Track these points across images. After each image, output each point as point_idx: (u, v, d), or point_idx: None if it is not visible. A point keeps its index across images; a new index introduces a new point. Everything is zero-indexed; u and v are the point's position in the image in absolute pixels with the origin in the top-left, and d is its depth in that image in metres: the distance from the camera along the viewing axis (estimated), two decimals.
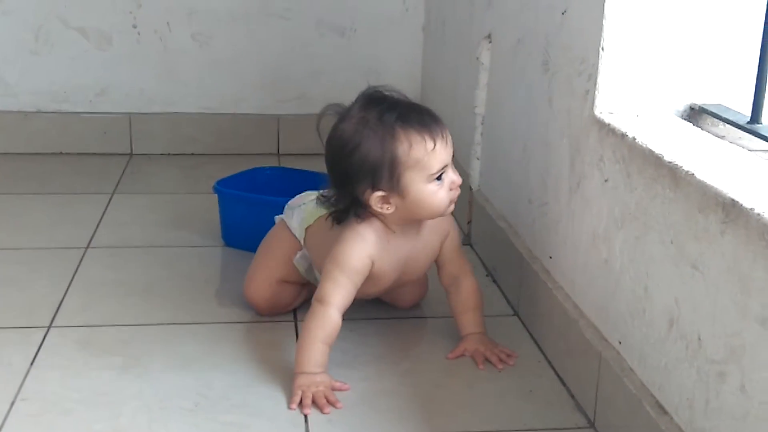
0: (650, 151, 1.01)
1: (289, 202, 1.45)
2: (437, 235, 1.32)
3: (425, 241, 1.31)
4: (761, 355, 0.80)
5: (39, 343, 1.32)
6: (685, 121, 1.15)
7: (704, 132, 1.10)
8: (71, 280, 1.54)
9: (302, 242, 1.38)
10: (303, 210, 1.40)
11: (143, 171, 2.20)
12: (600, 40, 1.15)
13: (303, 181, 1.79)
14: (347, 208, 1.25)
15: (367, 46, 2.33)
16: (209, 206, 1.80)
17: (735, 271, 0.84)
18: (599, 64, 1.16)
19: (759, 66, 1.06)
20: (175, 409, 1.16)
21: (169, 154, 2.32)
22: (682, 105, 1.18)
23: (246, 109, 2.34)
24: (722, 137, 1.10)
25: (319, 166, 1.88)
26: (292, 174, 1.88)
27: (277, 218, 1.46)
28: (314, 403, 1.17)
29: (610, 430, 1.11)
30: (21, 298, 1.47)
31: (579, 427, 1.15)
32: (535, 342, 1.38)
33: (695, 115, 1.18)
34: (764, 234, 0.78)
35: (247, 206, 1.69)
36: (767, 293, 0.78)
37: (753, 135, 1.06)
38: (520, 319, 1.45)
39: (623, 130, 1.09)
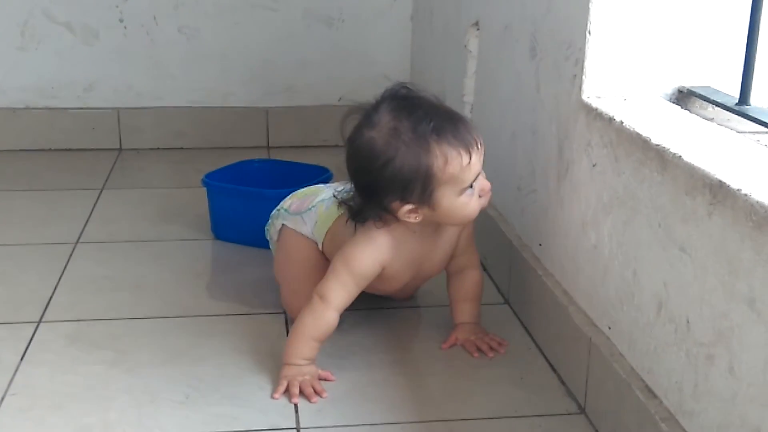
0: (638, 134, 1.01)
1: (288, 208, 1.40)
2: (455, 230, 1.29)
3: (444, 237, 1.27)
4: (749, 336, 0.80)
5: (29, 339, 1.31)
6: (674, 104, 1.15)
7: (692, 114, 1.09)
8: (61, 276, 1.54)
9: (321, 246, 1.34)
10: (315, 213, 1.35)
11: (132, 166, 2.19)
12: (587, 24, 1.14)
13: (291, 173, 1.80)
14: (371, 214, 1.20)
15: (356, 36, 2.32)
16: (198, 200, 1.80)
17: (722, 252, 0.83)
18: (586, 48, 1.15)
19: (747, 47, 1.06)
20: (165, 402, 1.15)
21: (158, 148, 2.31)
22: (671, 88, 1.18)
23: (234, 102, 2.33)
24: (711, 119, 1.09)
25: (308, 158, 1.89)
26: (281, 166, 1.88)
27: (278, 226, 1.41)
28: (301, 392, 1.16)
29: (600, 416, 1.11)
30: (10, 293, 1.47)
31: (570, 413, 1.15)
32: (526, 329, 1.37)
33: (684, 97, 1.17)
34: (751, 214, 0.78)
35: (236, 199, 1.69)
36: (755, 274, 0.78)
37: (741, 116, 1.06)
38: (510, 306, 1.45)
39: (611, 114, 1.09)
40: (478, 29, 1.67)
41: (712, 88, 1.15)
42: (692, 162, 0.89)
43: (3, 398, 1.16)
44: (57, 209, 1.87)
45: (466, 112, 1.73)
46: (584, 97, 1.16)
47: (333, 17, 2.31)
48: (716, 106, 1.11)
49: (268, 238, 1.48)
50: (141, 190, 2.02)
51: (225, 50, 2.30)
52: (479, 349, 1.29)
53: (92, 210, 1.87)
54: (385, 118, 1.15)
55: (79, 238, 1.71)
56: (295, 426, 1.11)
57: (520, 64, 1.42)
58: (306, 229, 1.36)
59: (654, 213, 0.97)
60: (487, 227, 1.57)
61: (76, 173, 2.11)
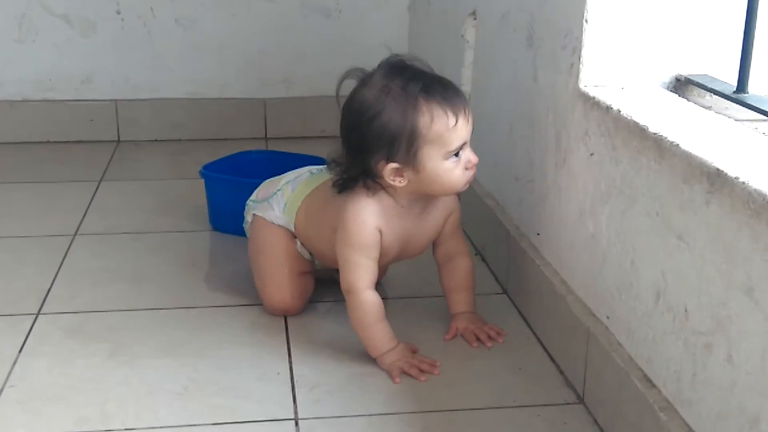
0: (635, 123, 1.01)
1: (251, 198, 1.42)
2: (442, 213, 1.29)
3: (430, 218, 1.28)
4: (747, 324, 0.79)
5: (27, 331, 1.31)
6: (671, 93, 1.14)
7: (690, 103, 1.09)
8: (59, 268, 1.53)
9: (293, 227, 1.35)
10: (282, 196, 1.36)
11: (130, 158, 2.19)
12: (583, 13, 1.14)
13: (289, 164, 1.78)
14: (356, 177, 1.21)
15: (353, 27, 2.31)
16: (197, 191, 1.79)
17: (720, 240, 0.83)
18: (583, 37, 1.15)
19: (745, 35, 1.05)
20: (164, 394, 1.15)
21: (156, 140, 2.31)
22: (668, 76, 1.17)
23: (232, 94, 2.32)
24: (709, 108, 1.09)
25: (307, 149, 1.89)
26: (279, 156, 1.87)
27: (249, 218, 1.42)
28: (408, 374, 1.19)
29: (599, 405, 1.11)
30: (9, 286, 1.46)
31: (568, 403, 1.15)
32: (524, 319, 1.37)
33: (681, 86, 1.17)
34: (749, 202, 0.78)
35: (234, 190, 1.68)
36: (752, 262, 0.78)
37: (739, 104, 1.05)
38: (509, 296, 1.45)
39: (608, 102, 1.08)
40: (475, 19, 1.67)
41: (710, 76, 1.15)
42: (690, 150, 0.89)
43: (1, 390, 1.16)
44: (55, 201, 1.87)
45: None
46: (581, 86, 1.16)
47: (330, 8, 2.30)
48: (714, 94, 1.11)
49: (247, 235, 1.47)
50: (139, 181, 2.02)
51: (222, 41, 2.29)
52: (478, 339, 1.29)
53: (90, 202, 1.87)
54: (377, 79, 1.18)
55: (77, 230, 1.71)
56: (293, 417, 1.11)
57: (518, 54, 1.42)
58: (274, 214, 1.36)
59: (652, 202, 0.97)
60: (485, 217, 1.57)
61: (74, 165, 2.11)
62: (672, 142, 0.92)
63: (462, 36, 1.71)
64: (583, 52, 1.15)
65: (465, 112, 1.17)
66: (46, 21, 2.22)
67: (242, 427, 1.09)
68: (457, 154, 1.18)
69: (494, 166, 1.56)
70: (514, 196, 1.47)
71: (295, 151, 1.88)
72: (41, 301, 1.41)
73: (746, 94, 1.06)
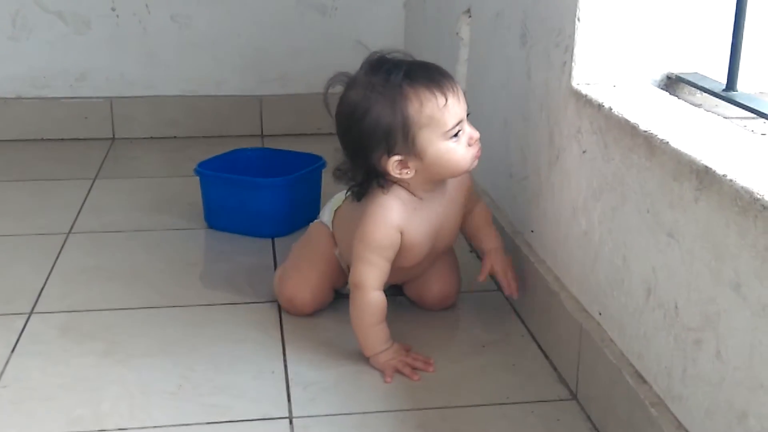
0: (626, 120, 1.01)
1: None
2: (461, 191, 1.28)
3: (453, 201, 1.27)
4: (735, 320, 0.80)
5: (20, 330, 1.31)
6: (662, 90, 1.15)
7: (680, 101, 1.09)
8: (53, 266, 1.53)
9: (331, 227, 1.35)
10: (332, 199, 1.38)
11: (125, 155, 2.19)
12: (576, 11, 1.14)
13: (285, 162, 1.79)
14: (367, 180, 1.21)
15: (349, 23, 2.31)
16: (192, 189, 1.79)
17: (709, 237, 0.83)
18: (575, 35, 1.15)
19: (734, 33, 1.06)
20: (158, 393, 1.15)
21: (151, 137, 2.31)
22: (659, 74, 1.18)
23: (228, 91, 2.32)
24: (699, 105, 1.09)
25: (304, 147, 1.89)
26: (274, 154, 1.87)
27: (312, 223, 1.42)
28: (402, 373, 1.19)
29: (592, 401, 1.11)
30: (1, 284, 1.46)
31: (561, 399, 1.15)
32: (519, 316, 1.38)
33: (672, 84, 1.17)
34: (737, 199, 0.78)
35: (229, 187, 1.69)
36: (740, 259, 0.78)
37: (728, 102, 1.06)
38: (503, 293, 1.45)
39: (600, 100, 1.09)
40: (469, 17, 1.67)
41: (700, 75, 1.15)
42: (679, 148, 0.89)
43: None
44: (49, 199, 1.87)
45: None
46: (574, 83, 1.16)
47: (326, 5, 2.30)
48: (704, 92, 1.11)
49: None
50: (134, 179, 2.02)
51: (218, 38, 2.29)
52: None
53: (85, 200, 1.87)
54: (360, 78, 1.18)
55: (71, 228, 1.71)
56: (287, 415, 1.11)
57: (511, 51, 1.42)
58: (325, 217, 1.37)
59: (642, 199, 0.97)
60: None
61: (69, 163, 2.11)
62: (662, 140, 0.92)
63: (457, 33, 1.71)
64: (576, 51, 1.15)
65: (453, 89, 1.16)
66: (40, 18, 2.21)
67: (236, 426, 1.09)
68: (456, 134, 1.17)
69: (489, 163, 1.55)
70: (508, 193, 1.47)
71: (291, 149, 1.88)
72: (34, 299, 1.41)
73: (735, 92, 1.06)
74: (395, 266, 1.26)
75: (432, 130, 1.15)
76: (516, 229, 1.43)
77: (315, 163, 1.74)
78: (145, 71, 2.29)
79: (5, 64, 2.23)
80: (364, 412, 1.12)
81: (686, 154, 0.87)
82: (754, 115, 1.02)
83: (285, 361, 1.24)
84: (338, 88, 1.21)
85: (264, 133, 2.34)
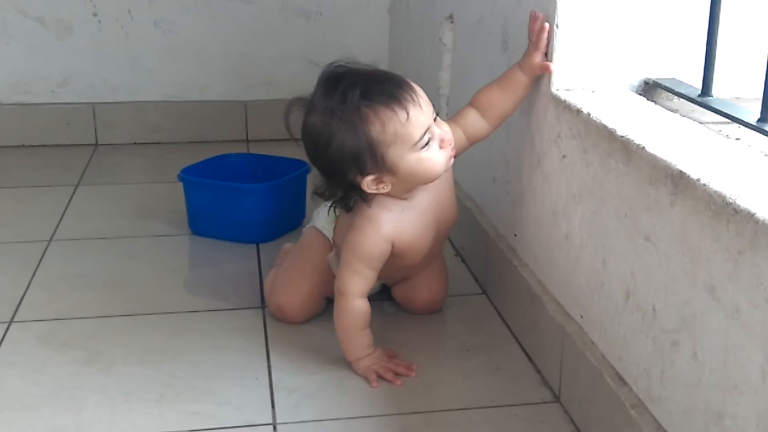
0: (604, 126, 1.02)
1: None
2: (446, 173, 1.24)
3: (443, 181, 1.24)
4: (710, 323, 0.81)
5: (0, 339, 1.30)
6: (640, 96, 1.16)
7: (657, 106, 1.10)
8: (33, 274, 1.53)
9: (331, 236, 1.35)
10: (326, 206, 1.36)
11: (108, 161, 2.18)
12: (554, 18, 1.15)
13: (269, 167, 1.79)
14: (347, 195, 1.21)
15: (333, 29, 2.32)
16: (176, 195, 1.79)
17: (684, 241, 0.84)
18: (554, 42, 1.16)
19: (708, 40, 1.07)
20: (140, 401, 1.15)
21: (134, 143, 2.30)
22: (637, 80, 1.19)
23: (212, 96, 2.32)
24: (675, 111, 1.10)
25: (289, 152, 1.89)
26: (258, 160, 1.88)
27: (305, 228, 1.42)
28: (384, 378, 1.20)
29: (574, 404, 1.12)
30: None
31: (545, 402, 1.16)
32: (503, 319, 1.38)
33: (650, 89, 1.18)
34: (710, 204, 0.79)
35: (213, 193, 1.69)
36: (714, 262, 0.79)
37: (704, 107, 1.07)
38: (487, 297, 1.46)
39: (578, 106, 1.09)
40: (452, 22, 1.68)
41: (677, 80, 1.16)
42: (655, 153, 0.90)
43: None
44: (30, 206, 1.86)
45: (443, 105, 1.73)
46: (553, 89, 1.17)
47: (311, 10, 2.31)
48: (680, 97, 1.12)
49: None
50: (117, 185, 2.01)
51: (202, 44, 2.29)
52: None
53: (67, 207, 1.86)
54: (317, 101, 1.15)
55: (52, 235, 1.71)
56: (271, 422, 1.11)
57: (493, 57, 1.43)
58: (320, 223, 1.37)
59: (620, 203, 0.98)
60: (464, 218, 1.57)
61: (51, 169, 2.10)
62: (638, 145, 0.93)
63: (440, 39, 1.72)
64: (555, 57, 1.16)
65: (413, 99, 1.13)
66: (21, 23, 2.21)
67: None
68: (427, 142, 1.15)
69: (472, 167, 1.57)
70: (491, 197, 1.48)
71: (276, 154, 1.88)
72: (14, 308, 1.40)
73: (711, 98, 1.07)
74: (401, 264, 1.26)
75: (399, 146, 1.13)
76: (499, 233, 1.43)
77: (299, 168, 1.74)
78: (128, 77, 2.28)
79: None
80: (348, 418, 1.12)
81: (662, 159, 0.88)
82: (729, 120, 1.03)
83: (269, 367, 1.24)
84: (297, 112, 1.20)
85: (249, 139, 2.34)
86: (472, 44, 1.55)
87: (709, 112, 1.06)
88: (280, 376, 1.21)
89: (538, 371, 1.23)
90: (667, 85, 1.15)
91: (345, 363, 1.24)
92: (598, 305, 1.06)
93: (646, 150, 0.91)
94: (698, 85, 1.10)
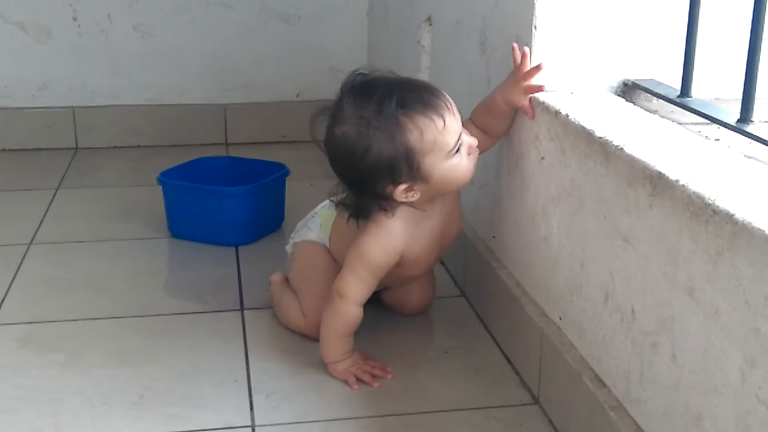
0: (582, 127, 1.02)
1: (295, 230, 1.40)
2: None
3: (452, 198, 1.25)
4: (689, 324, 0.81)
5: None
6: (619, 97, 1.16)
7: (636, 107, 1.11)
8: (13, 278, 1.52)
9: (329, 245, 1.33)
10: (318, 216, 1.35)
11: (88, 165, 2.17)
12: (532, 19, 1.15)
13: (248, 170, 1.79)
14: (369, 204, 1.18)
15: (313, 32, 2.32)
16: (155, 198, 1.78)
17: (663, 242, 0.85)
18: (532, 43, 1.16)
19: (687, 41, 1.08)
20: (119, 404, 1.14)
21: (114, 147, 2.29)
22: (616, 81, 1.19)
23: (191, 100, 2.31)
24: (655, 112, 1.11)
25: (268, 155, 1.89)
26: (237, 163, 1.87)
27: (290, 247, 1.39)
28: (361, 380, 1.19)
29: (553, 405, 1.12)
30: None
31: (524, 404, 1.16)
32: (482, 321, 1.39)
33: (629, 90, 1.19)
34: (689, 205, 0.80)
35: (192, 196, 1.68)
36: (693, 263, 0.80)
37: (683, 108, 1.08)
38: (467, 299, 1.46)
39: (557, 107, 1.10)
40: (430, 24, 1.68)
41: (656, 81, 1.17)
42: (633, 154, 0.90)
43: None
44: (10, 210, 1.85)
45: None
46: None
47: (290, 13, 2.31)
48: (659, 98, 1.13)
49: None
50: (97, 189, 2.00)
51: (181, 48, 2.28)
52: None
53: (47, 210, 1.85)
54: (349, 111, 1.13)
55: (32, 239, 1.69)
56: (250, 424, 1.11)
57: (471, 59, 1.43)
58: (313, 235, 1.35)
59: (599, 204, 0.99)
60: None
61: (31, 173, 2.09)
62: (617, 146, 0.94)
63: (418, 41, 1.72)
64: (533, 58, 1.16)
65: (448, 106, 1.14)
66: (0, 28, 2.19)
67: None
68: (458, 150, 1.15)
69: None
70: (470, 199, 1.48)
71: (255, 157, 1.88)
72: None
73: (690, 98, 1.08)
74: (402, 275, 1.26)
75: (435, 153, 1.13)
76: (478, 235, 1.44)
77: (279, 171, 1.74)
78: (108, 81, 2.27)
79: None
80: (326, 420, 1.12)
81: (640, 160, 0.89)
82: (707, 121, 1.03)
83: (248, 369, 1.23)
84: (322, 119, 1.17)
85: (228, 142, 2.33)
86: (451, 46, 1.55)
87: (689, 112, 1.06)
88: (259, 378, 1.21)
89: (517, 373, 1.23)
90: (646, 86, 1.15)
91: (324, 366, 1.23)
92: (577, 307, 1.06)
93: (624, 151, 0.92)
94: (677, 86, 1.11)
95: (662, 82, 1.17)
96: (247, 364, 1.25)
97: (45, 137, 2.26)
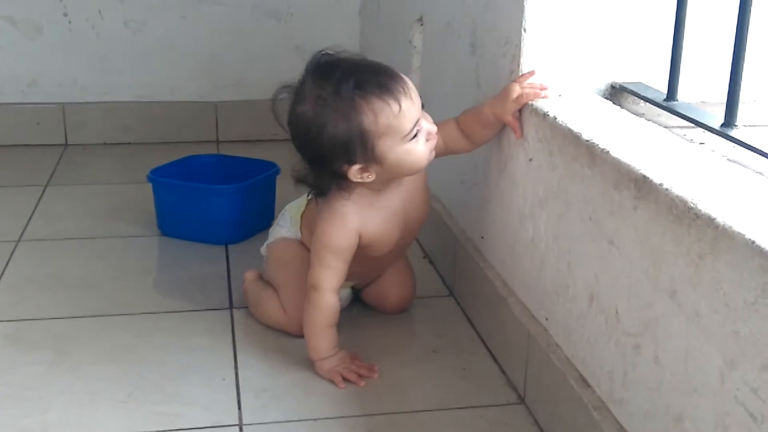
0: (569, 130, 1.03)
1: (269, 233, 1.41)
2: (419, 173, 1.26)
3: (415, 181, 1.26)
4: (671, 326, 0.82)
5: None
6: (606, 100, 1.17)
7: (623, 110, 1.12)
8: (1, 275, 1.52)
9: (301, 237, 1.34)
10: (287, 213, 1.37)
11: (78, 162, 2.17)
12: (522, 21, 1.16)
13: (239, 168, 1.79)
14: (327, 182, 1.20)
15: (304, 30, 2.32)
16: (145, 196, 1.78)
17: (647, 245, 0.86)
18: (522, 45, 1.17)
19: (673, 44, 1.08)
20: (107, 402, 1.15)
21: (104, 143, 2.29)
22: (604, 84, 1.20)
23: (182, 97, 2.31)
24: (641, 115, 1.12)
25: (259, 153, 1.89)
26: (228, 161, 1.88)
27: (265, 247, 1.40)
28: (347, 379, 1.20)
29: (538, 405, 1.13)
30: None
31: (510, 403, 1.17)
32: (469, 321, 1.39)
33: (616, 93, 1.20)
34: (672, 208, 0.80)
35: (182, 194, 1.68)
36: (676, 266, 0.81)
37: (669, 112, 1.09)
38: (455, 299, 1.47)
39: (545, 109, 1.11)
40: (422, 25, 1.68)
41: (644, 84, 1.18)
42: (619, 157, 0.91)
43: None
44: None
45: None
46: None
47: (281, 11, 2.31)
48: (646, 101, 1.14)
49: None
50: (86, 186, 2.00)
51: (172, 44, 2.28)
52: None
53: (36, 207, 1.84)
54: (309, 90, 1.15)
55: (21, 236, 1.69)
56: (238, 423, 1.11)
57: (462, 60, 1.44)
58: (285, 231, 1.36)
59: (585, 207, 0.99)
60: (432, 220, 1.58)
61: (20, 169, 2.08)
62: (603, 149, 0.94)
63: (409, 41, 1.73)
64: (522, 60, 1.17)
65: (405, 91, 1.14)
66: None
67: None
68: (415, 135, 1.16)
69: (441, 170, 1.57)
70: (459, 199, 1.49)
71: (246, 155, 1.88)
72: None
73: (676, 102, 1.09)
74: (369, 256, 1.26)
75: (390, 137, 1.15)
76: (466, 235, 1.44)
77: (269, 169, 1.74)
78: (98, 77, 2.27)
79: None
80: (314, 419, 1.12)
81: (625, 163, 0.89)
82: (693, 125, 1.04)
83: (236, 368, 1.24)
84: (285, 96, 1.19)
85: (219, 139, 2.33)
86: (442, 46, 1.56)
87: (675, 116, 1.07)
88: (247, 376, 1.21)
89: (504, 373, 1.24)
90: (633, 89, 1.16)
91: (311, 363, 1.24)
92: (563, 308, 1.07)
93: (610, 154, 0.93)
94: (664, 89, 1.12)
95: (650, 85, 1.18)
96: (236, 362, 1.25)
97: (34, 133, 2.26)
